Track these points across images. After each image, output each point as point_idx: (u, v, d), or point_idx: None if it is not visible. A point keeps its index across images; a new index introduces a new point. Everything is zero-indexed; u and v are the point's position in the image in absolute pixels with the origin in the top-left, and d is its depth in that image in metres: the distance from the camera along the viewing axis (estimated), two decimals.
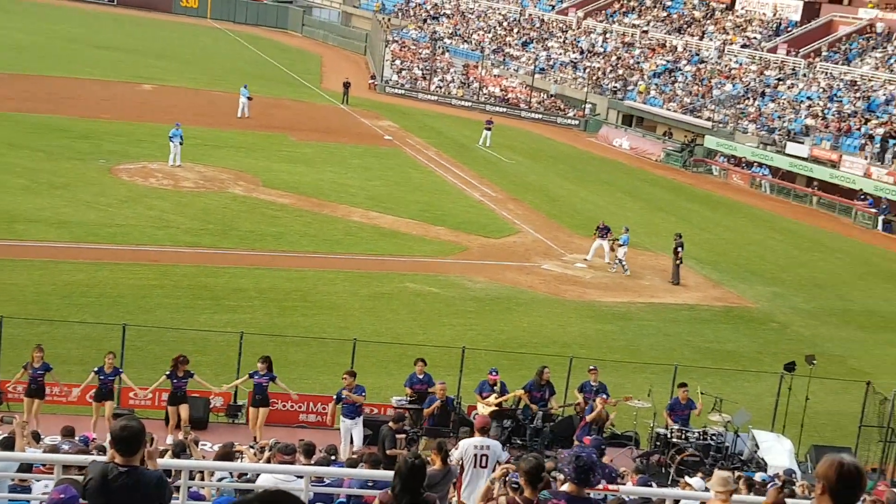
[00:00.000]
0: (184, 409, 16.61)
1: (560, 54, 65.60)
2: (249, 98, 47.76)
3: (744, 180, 47.96)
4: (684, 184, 46.30)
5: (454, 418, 17.22)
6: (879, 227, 41.37)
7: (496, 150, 47.18)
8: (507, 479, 10.72)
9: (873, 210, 41.81)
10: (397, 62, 65.55)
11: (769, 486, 13.27)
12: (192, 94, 52.14)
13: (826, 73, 52.52)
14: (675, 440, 17.34)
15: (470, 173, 41.93)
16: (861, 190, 42.72)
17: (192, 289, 24.37)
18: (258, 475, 10.48)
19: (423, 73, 64.09)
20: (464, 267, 28.91)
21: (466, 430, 14.51)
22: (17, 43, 58.84)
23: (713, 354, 23.99)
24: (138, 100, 48.96)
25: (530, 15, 72.28)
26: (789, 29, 58.01)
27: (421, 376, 17.63)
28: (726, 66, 57.25)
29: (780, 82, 53.48)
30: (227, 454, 12.25)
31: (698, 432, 17.59)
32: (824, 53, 54.05)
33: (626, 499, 10.52)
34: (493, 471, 10.70)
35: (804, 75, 53.45)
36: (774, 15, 59.66)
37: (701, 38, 60.98)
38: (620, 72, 60.75)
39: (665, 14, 65.70)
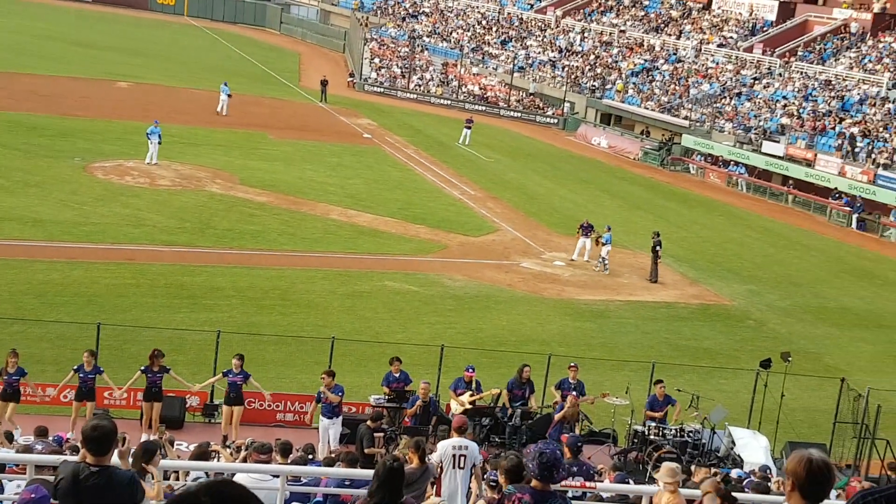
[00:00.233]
0: (156, 408, 16.50)
1: (539, 53, 65.74)
2: (229, 95, 47.52)
3: (720, 179, 48.26)
4: (662, 182, 46.53)
5: (434, 421, 17.19)
6: (854, 225, 41.77)
7: (475, 149, 47.21)
8: (485, 477, 10.73)
9: (848, 208, 42.19)
10: (376, 60, 65.43)
11: (745, 482, 13.36)
12: (169, 92, 51.78)
13: (801, 73, 52.94)
14: (652, 437, 17.43)
15: (449, 171, 41.92)
16: (836, 188, 43.11)
17: (168, 288, 24.21)
18: (234, 475, 10.42)
19: (402, 72, 64.02)
20: (443, 265, 28.90)
21: (445, 429, 14.52)
22: None
23: (690, 352, 24.12)
24: (114, 97, 48.59)
25: (509, 14, 72.38)
26: (765, 29, 58.42)
27: (397, 374, 17.61)
28: (703, 65, 57.58)
29: (756, 81, 53.86)
30: (203, 454, 12.18)
31: (675, 429, 17.68)
32: (800, 53, 54.47)
33: (604, 496, 10.55)
34: (471, 472, 10.70)
35: (780, 75, 53.86)
36: (751, 15, 60.05)
37: (678, 38, 61.31)
38: (599, 71, 60.95)
39: (643, 13, 65.98)
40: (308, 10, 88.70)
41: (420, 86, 62.67)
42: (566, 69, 61.67)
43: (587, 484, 10.19)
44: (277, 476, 9.47)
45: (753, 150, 47.72)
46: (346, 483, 10.70)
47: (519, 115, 59.03)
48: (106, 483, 5.32)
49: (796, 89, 51.60)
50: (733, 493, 9.31)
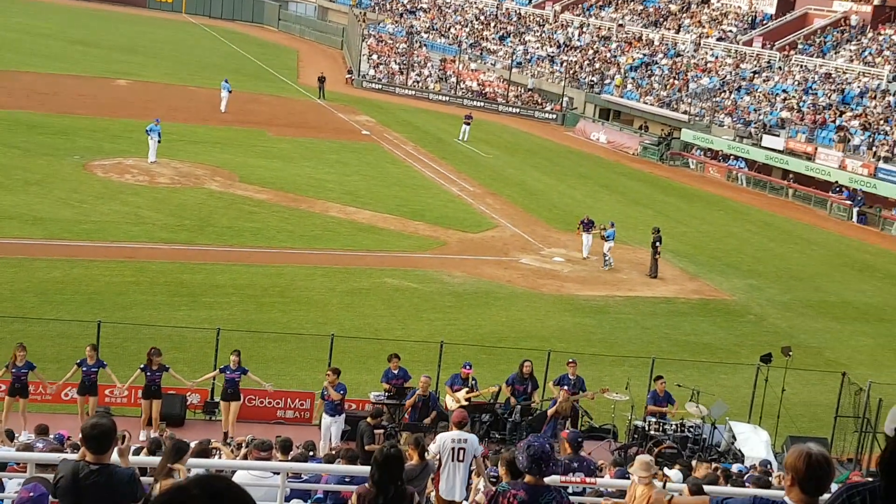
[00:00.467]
0: (155, 406, 16.52)
1: (537, 48, 65.66)
2: (230, 91, 47.47)
3: (720, 173, 48.21)
4: (661, 177, 46.49)
5: (433, 416, 17.19)
6: (854, 218, 41.73)
7: (473, 145, 47.16)
8: (486, 472, 10.74)
9: (849, 202, 42.15)
10: (374, 57, 65.35)
11: (746, 477, 13.36)
12: (168, 90, 51.74)
13: (801, 66, 52.87)
14: (652, 433, 17.43)
15: (448, 168, 41.89)
16: (836, 182, 43.06)
17: (168, 285, 24.20)
18: (234, 472, 10.41)
19: (400, 68, 63.95)
20: (442, 262, 28.89)
21: (445, 425, 14.52)
22: None
23: (691, 347, 24.11)
24: (113, 95, 48.56)
25: (507, 9, 72.28)
26: (764, 22, 58.35)
27: (396, 371, 17.62)
28: (702, 59, 57.51)
29: (756, 75, 53.78)
30: (204, 451, 12.16)
31: (676, 424, 17.68)
32: (799, 46, 54.40)
33: (604, 491, 10.55)
34: (471, 465, 10.71)
35: (779, 68, 53.78)
36: (750, 8, 59.97)
37: (677, 32, 61.22)
38: (597, 65, 60.88)
39: (641, 8, 65.90)
40: (306, 7, 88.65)
41: (418, 82, 62.61)
42: (565, 64, 61.60)
43: (587, 480, 10.17)
44: (278, 473, 9.46)
45: (753, 145, 47.66)
46: (347, 480, 10.69)
47: (517, 110, 58.99)
48: (106, 481, 5.31)
49: (796, 83, 51.54)
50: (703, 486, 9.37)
